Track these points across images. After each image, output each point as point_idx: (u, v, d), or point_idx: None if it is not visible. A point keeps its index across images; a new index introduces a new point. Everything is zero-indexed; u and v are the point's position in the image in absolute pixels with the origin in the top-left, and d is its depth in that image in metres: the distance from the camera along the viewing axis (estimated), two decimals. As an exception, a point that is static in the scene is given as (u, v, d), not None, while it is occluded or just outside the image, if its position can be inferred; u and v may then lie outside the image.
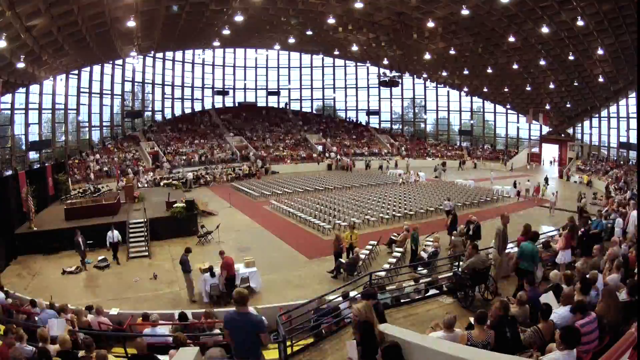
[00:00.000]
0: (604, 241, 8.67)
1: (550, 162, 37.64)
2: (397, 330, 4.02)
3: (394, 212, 18.17)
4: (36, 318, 7.05)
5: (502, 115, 41.20)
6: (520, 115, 39.52)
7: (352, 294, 7.84)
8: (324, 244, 14.81)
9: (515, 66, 29.20)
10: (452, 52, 29.62)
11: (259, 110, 42.96)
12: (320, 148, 38.39)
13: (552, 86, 31.16)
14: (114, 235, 13.09)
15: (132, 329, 7.47)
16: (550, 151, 38.48)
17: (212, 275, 10.01)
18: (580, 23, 20.28)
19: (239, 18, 22.31)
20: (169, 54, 37.36)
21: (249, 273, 10.59)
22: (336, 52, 38.11)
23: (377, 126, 44.90)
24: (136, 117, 35.95)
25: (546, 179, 26.38)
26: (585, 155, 34.53)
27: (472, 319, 5.03)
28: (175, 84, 39.05)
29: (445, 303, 7.49)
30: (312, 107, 45.79)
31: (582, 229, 9.26)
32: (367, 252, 12.24)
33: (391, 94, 44.17)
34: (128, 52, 28.38)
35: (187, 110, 40.16)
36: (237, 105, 42.88)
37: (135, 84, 35.94)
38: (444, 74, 36.47)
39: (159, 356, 5.16)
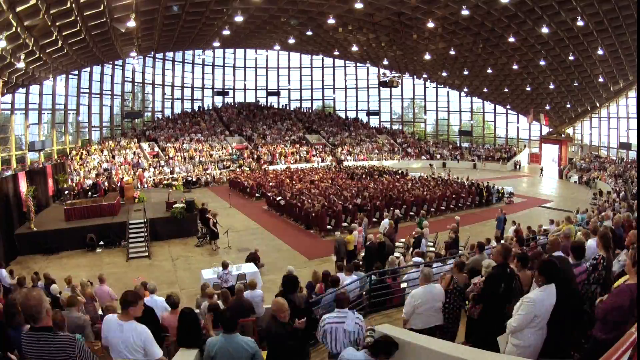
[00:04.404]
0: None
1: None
2: (397, 331, 4.01)
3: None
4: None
5: (502, 115, 41.24)
6: (520, 115, 39.56)
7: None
8: (324, 244, 14.82)
9: (515, 66, 29.22)
10: (452, 52, 29.64)
11: (259, 111, 43.01)
12: (320, 147, 38.42)
13: (552, 86, 31.18)
14: None
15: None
16: (550, 151, 38.51)
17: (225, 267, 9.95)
18: (580, 23, 20.30)
19: (239, 18, 22.35)
20: (169, 55, 37.40)
21: (249, 273, 10.60)
22: (336, 53, 38.14)
23: (377, 126, 44.92)
24: (136, 118, 35.97)
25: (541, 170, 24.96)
26: (585, 155, 34.52)
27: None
28: (175, 85, 39.10)
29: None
30: (312, 107, 45.83)
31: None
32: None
33: (391, 94, 44.21)
34: (128, 53, 28.38)
35: (187, 111, 40.19)
36: (237, 105, 42.92)
37: (135, 84, 35.97)
38: (444, 74, 36.48)
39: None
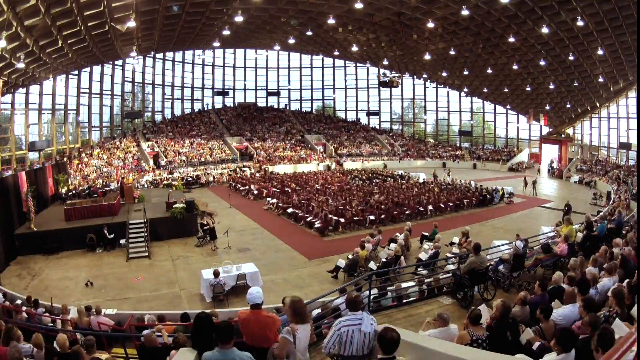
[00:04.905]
0: (607, 242, 8.64)
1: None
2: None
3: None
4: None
5: (502, 115, 41.26)
6: (520, 115, 39.59)
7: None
8: (324, 244, 14.83)
9: (515, 66, 29.24)
10: (452, 52, 29.65)
11: (259, 111, 43.03)
12: (320, 148, 38.44)
13: (552, 86, 31.18)
14: None
15: (131, 330, 7.45)
16: (550, 151, 38.54)
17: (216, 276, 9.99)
18: (580, 23, 20.30)
19: (239, 18, 22.34)
20: (169, 55, 37.43)
21: (249, 273, 10.59)
22: (336, 53, 38.16)
23: (377, 126, 44.96)
24: (136, 118, 35.99)
25: (534, 183, 25.46)
26: (585, 155, 34.52)
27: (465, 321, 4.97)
28: (175, 85, 39.13)
29: (445, 304, 7.49)
30: (312, 107, 45.86)
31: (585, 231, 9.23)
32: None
33: (391, 95, 44.23)
34: (128, 53, 28.38)
35: (187, 111, 40.22)
36: (237, 105, 42.93)
37: (135, 84, 36.00)
38: (444, 74, 36.50)
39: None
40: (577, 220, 12.91)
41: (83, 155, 29.22)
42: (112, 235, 14.34)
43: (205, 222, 15.14)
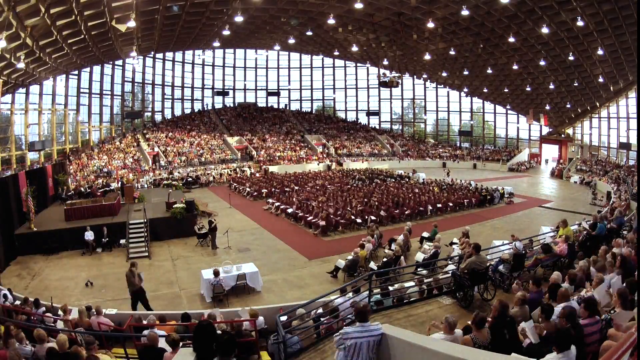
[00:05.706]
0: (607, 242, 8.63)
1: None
2: (397, 331, 4.01)
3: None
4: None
5: (502, 115, 41.28)
6: (520, 115, 39.60)
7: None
8: (324, 244, 14.82)
9: (515, 66, 29.25)
10: (452, 52, 29.66)
11: (259, 111, 43.03)
12: (320, 148, 38.44)
13: (552, 86, 31.18)
14: None
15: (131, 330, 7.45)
16: (550, 151, 38.56)
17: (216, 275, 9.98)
18: (580, 23, 20.31)
19: (239, 18, 22.32)
20: (169, 55, 37.45)
21: (249, 273, 10.58)
22: (336, 53, 38.18)
23: (377, 126, 44.97)
24: (136, 118, 36.00)
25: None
26: (585, 155, 34.50)
27: (469, 322, 4.98)
28: (175, 85, 39.16)
29: (445, 304, 7.49)
30: (312, 107, 45.87)
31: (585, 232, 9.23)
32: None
33: (391, 95, 44.25)
34: (128, 53, 28.38)
35: (187, 111, 40.23)
36: (237, 105, 42.94)
37: (135, 84, 36.02)
38: (444, 74, 36.51)
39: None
40: (577, 220, 12.92)
41: (83, 155, 29.22)
42: (106, 239, 14.26)
43: (201, 226, 15.14)
